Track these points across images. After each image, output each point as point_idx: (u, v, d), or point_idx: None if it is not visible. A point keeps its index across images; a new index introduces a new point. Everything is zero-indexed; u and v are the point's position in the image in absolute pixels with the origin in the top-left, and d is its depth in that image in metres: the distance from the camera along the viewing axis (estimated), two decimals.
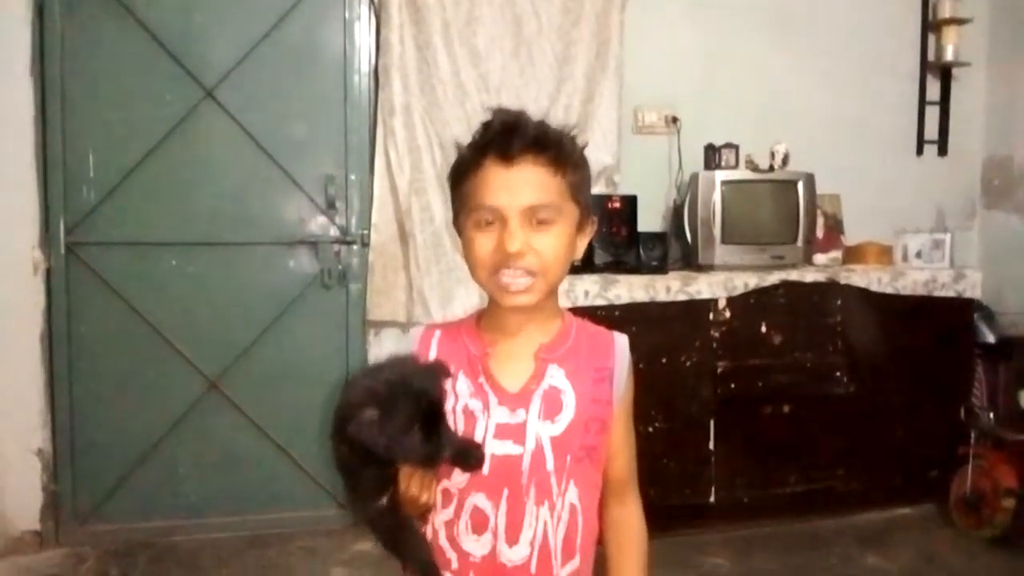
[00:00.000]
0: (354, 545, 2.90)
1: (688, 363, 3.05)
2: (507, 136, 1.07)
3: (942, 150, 3.79)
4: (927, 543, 3.06)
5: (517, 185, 1.06)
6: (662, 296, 3.00)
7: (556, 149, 1.09)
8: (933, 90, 3.76)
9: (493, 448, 1.09)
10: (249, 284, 3.14)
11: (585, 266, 2.97)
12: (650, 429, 2.98)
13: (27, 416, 2.94)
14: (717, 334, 3.08)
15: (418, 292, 3.12)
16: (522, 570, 1.09)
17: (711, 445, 3.10)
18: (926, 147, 3.78)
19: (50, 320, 2.99)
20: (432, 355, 1.16)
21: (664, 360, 3.01)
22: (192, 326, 3.10)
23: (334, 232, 3.19)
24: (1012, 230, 3.72)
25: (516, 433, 1.09)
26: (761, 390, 3.13)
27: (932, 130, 3.77)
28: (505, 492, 1.09)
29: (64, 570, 2.82)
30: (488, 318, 1.17)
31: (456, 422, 1.11)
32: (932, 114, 3.77)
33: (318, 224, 3.18)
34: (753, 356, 3.12)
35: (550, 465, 1.09)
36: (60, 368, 3.01)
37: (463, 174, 1.11)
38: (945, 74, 3.75)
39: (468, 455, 1.08)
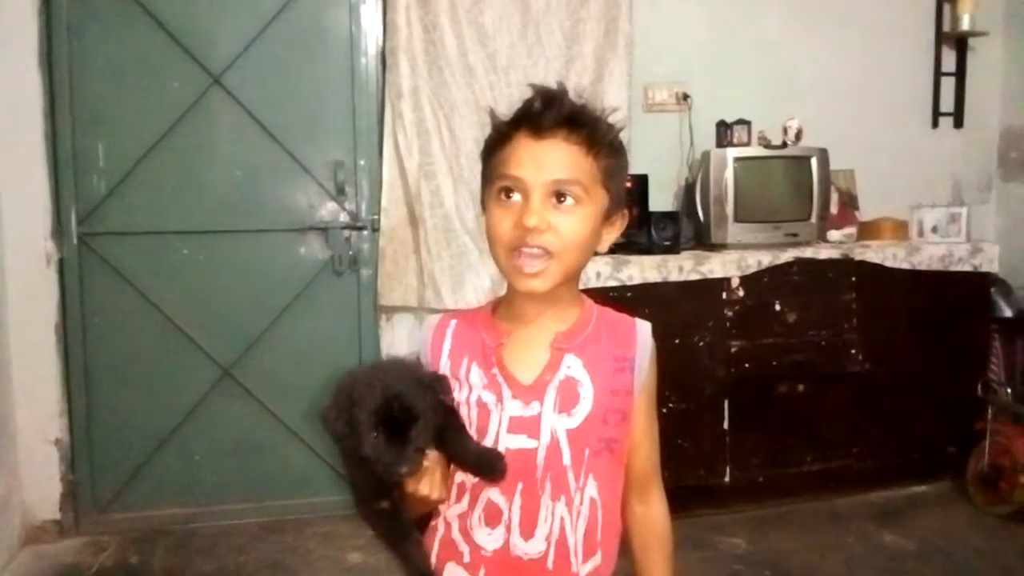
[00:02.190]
0: (370, 530, 2.91)
1: (702, 343, 3.03)
2: (542, 109, 1.05)
3: (958, 122, 3.73)
4: (944, 520, 3.05)
5: (545, 158, 1.03)
6: (675, 276, 2.98)
7: (591, 128, 1.06)
8: (948, 61, 3.69)
9: (507, 442, 1.06)
10: (260, 271, 3.14)
11: None
12: (664, 410, 2.97)
13: (44, 406, 2.96)
14: (730, 313, 3.06)
15: (429, 276, 3.11)
16: (538, 564, 1.06)
17: (726, 425, 3.09)
18: (941, 120, 3.72)
19: (64, 311, 3.00)
20: (447, 345, 1.13)
21: (677, 340, 2.99)
22: (205, 314, 3.10)
23: (344, 218, 3.18)
24: None
25: (530, 426, 1.06)
26: (775, 369, 3.11)
27: (948, 102, 3.71)
28: (520, 486, 1.06)
29: (84, 558, 2.85)
30: (504, 306, 1.14)
31: (469, 414, 1.08)
32: (948, 85, 3.70)
33: (328, 210, 3.17)
34: (767, 335, 3.10)
35: (567, 459, 1.06)
36: (75, 358, 3.02)
37: (493, 147, 1.09)
38: (961, 44, 3.68)
39: (490, 465, 1.04)
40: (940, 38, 3.67)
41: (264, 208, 3.12)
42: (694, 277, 3.00)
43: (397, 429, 0.97)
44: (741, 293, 3.06)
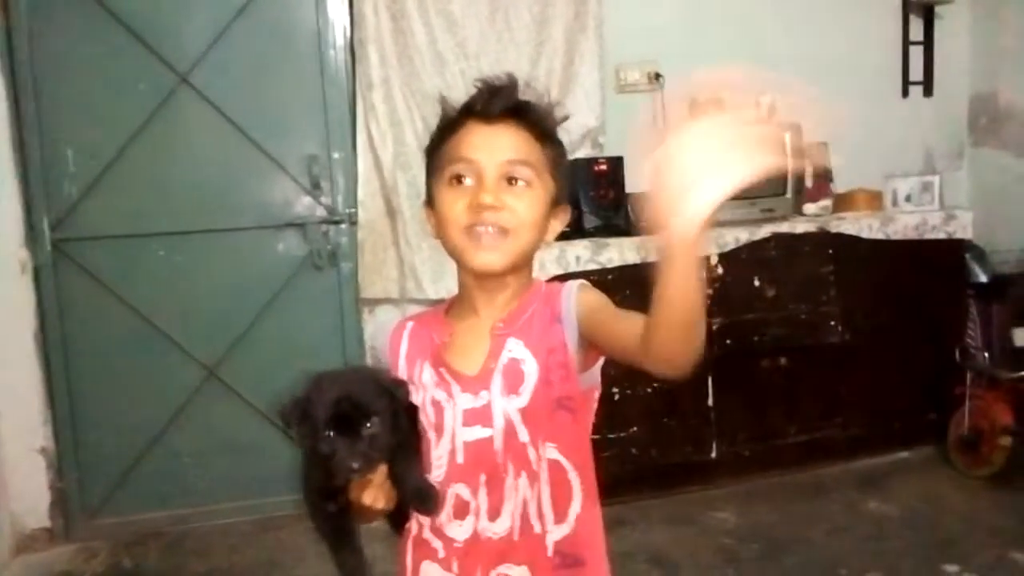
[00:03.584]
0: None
1: None
2: (490, 98, 1.06)
3: (928, 91, 3.76)
4: (927, 485, 3.10)
5: (497, 141, 1.05)
6: (654, 256, 2.99)
7: (539, 117, 1.08)
8: (916, 30, 3.71)
9: (464, 435, 1.07)
10: (239, 270, 3.12)
11: (575, 231, 2.95)
12: (648, 389, 3.00)
13: (27, 415, 2.95)
14: (711, 291, 3.08)
15: (410, 267, 3.11)
16: (506, 541, 1.06)
17: (710, 402, 3.12)
18: (911, 88, 3.74)
19: (42, 318, 2.98)
20: (403, 349, 1.15)
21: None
22: (185, 315, 3.09)
23: (321, 212, 3.17)
24: (1000, 167, 3.71)
25: (483, 416, 1.06)
26: (757, 344, 3.15)
27: (917, 71, 3.73)
28: (483, 477, 1.06)
29: (76, 565, 2.85)
30: (456, 302, 1.15)
31: (427, 414, 1.10)
32: (916, 54, 3.73)
33: (304, 205, 3.16)
34: (748, 311, 3.13)
35: (524, 436, 1.05)
36: (56, 365, 3.00)
37: (441, 137, 1.09)
38: (928, 13, 3.70)
39: (422, 501, 1.06)
40: (907, 7, 3.69)
41: (240, 206, 3.10)
42: None
43: (350, 426, 0.99)
44: (720, 270, 3.08)
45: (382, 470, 1.04)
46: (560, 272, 2.87)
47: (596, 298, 1.07)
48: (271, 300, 3.14)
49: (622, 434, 3.00)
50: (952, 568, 2.51)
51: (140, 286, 3.05)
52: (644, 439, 3.04)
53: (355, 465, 0.99)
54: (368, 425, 1.00)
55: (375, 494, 1.03)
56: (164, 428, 3.09)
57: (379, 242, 3.14)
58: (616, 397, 2.96)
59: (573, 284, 1.09)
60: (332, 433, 0.99)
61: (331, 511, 1.07)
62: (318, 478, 1.05)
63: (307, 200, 3.15)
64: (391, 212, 3.13)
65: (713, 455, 3.14)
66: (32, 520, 2.97)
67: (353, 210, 3.14)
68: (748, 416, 3.16)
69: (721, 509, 2.99)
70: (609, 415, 2.96)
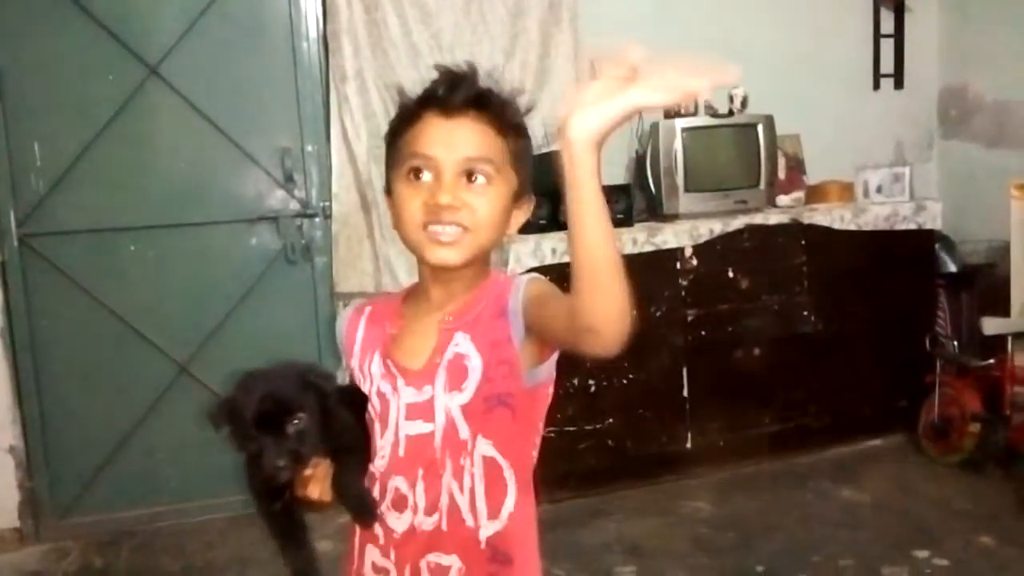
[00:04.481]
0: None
1: (658, 313, 3.07)
2: (450, 89, 1.03)
3: (898, 83, 3.80)
4: (899, 472, 3.15)
5: (456, 137, 1.02)
6: (629, 248, 3.00)
7: (500, 109, 1.05)
8: (887, 23, 3.75)
9: (406, 429, 1.06)
10: (212, 264, 3.09)
11: (550, 223, 2.95)
12: (624, 381, 3.01)
13: None
14: (685, 283, 3.10)
15: (384, 261, 3.09)
16: (435, 532, 1.06)
17: (685, 392, 3.14)
18: (882, 81, 3.78)
19: (9, 315, 2.92)
20: (359, 336, 1.14)
21: (634, 312, 3.01)
22: (157, 311, 3.05)
23: (294, 206, 3.14)
24: (970, 159, 3.76)
25: (425, 411, 1.05)
26: (731, 335, 3.17)
27: (888, 64, 3.78)
28: (420, 471, 1.06)
29: (47, 565, 2.81)
30: (413, 292, 1.14)
31: (372, 405, 1.09)
32: (887, 48, 3.77)
33: (277, 199, 3.13)
34: (722, 302, 3.16)
35: (464, 434, 1.04)
36: (24, 363, 2.95)
37: (400, 128, 1.07)
38: (898, 6, 3.73)
39: (360, 513, 1.06)
40: (878, 1, 3.72)
41: (211, 200, 3.07)
42: (648, 249, 3.03)
43: (275, 424, 0.98)
44: (695, 262, 3.10)
45: (325, 463, 1.03)
46: (536, 264, 2.87)
47: (544, 288, 1.04)
48: (244, 295, 3.10)
49: (598, 426, 3.01)
50: (923, 553, 2.55)
51: (110, 282, 3.00)
52: (619, 430, 3.06)
53: (281, 463, 0.98)
54: (295, 422, 0.99)
55: (319, 487, 1.03)
56: (135, 426, 3.05)
57: (354, 235, 3.11)
58: (592, 389, 2.97)
59: (523, 278, 1.06)
60: (257, 432, 0.98)
61: (277, 510, 1.06)
62: (257, 478, 1.04)
63: (280, 193, 3.12)
64: (365, 205, 3.10)
65: (688, 445, 3.17)
66: (1, 520, 2.92)
67: (327, 203, 3.12)
68: (722, 406, 3.19)
69: (696, 499, 3.01)
70: (585, 407, 2.97)
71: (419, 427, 1.06)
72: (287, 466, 0.99)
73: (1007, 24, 3.55)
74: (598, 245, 0.83)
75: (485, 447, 1.05)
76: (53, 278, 2.95)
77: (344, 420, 1.07)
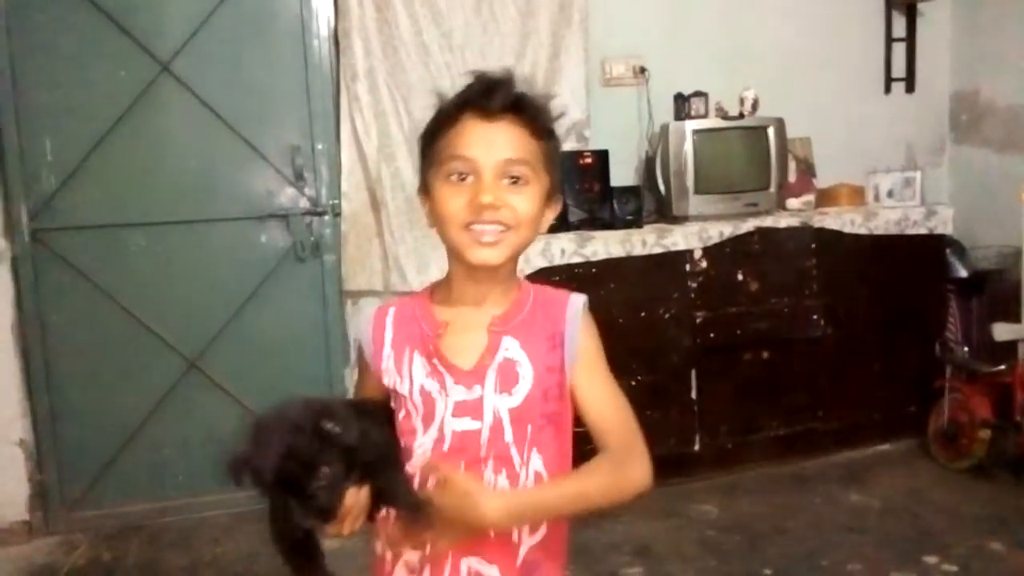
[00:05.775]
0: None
1: (667, 315, 3.06)
2: (489, 92, 1.06)
3: (910, 87, 3.78)
4: (908, 477, 3.14)
5: (495, 139, 1.06)
6: (638, 250, 3.00)
7: (536, 113, 1.09)
8: (899, 26, 3.74)
9: (452, 425, 1.08)
10: (221, 261, 3.10)
11: (560, 224, 2.96)
12: (632, 382, 3.00)
13: (5, 407, 2.91)
14: (694, 284, 3.09)
15: (394, 259, 3.09)
16: (481, 534, 1.06)
17: (693, 394, 3.13)
18: (894, 85, 3.77)
19: (20, 309, 2.94)
20: (388, 335, 1.14)
21: (643, 313, 3.02)
22: (166, 307, 3.06)
23: (304, 204, 3.15)
24: (981, 164, 3.74)
25: (474, 409, 1.08)
26: (740, 337, 3.16)
27: (899, 68, 3.76)
28: (462, 465, 1.07)
29: (56, 558, 2.82)
30: (443, 290, 1.15)
31: (414, 404, 1.10)
32: (899, 51, 3.75)
33: (287, 196, 3.14)
34: (731, 304, 3.15)
35: (508, 436, 1.08)
36: (35, 357, 2.97)
37: (438, 129, 1.09)
38: (910, 10, 3.72)
39: (419, 510, 1.03)
40: (890, 4, 3.71)
41: (221, 196, 3.07)
42: (657, 250, 3.02)
43: (299, 484, 0.95)
44: (704, 264, 3.09)
45: (349, 500, 1.00)
46: (545, 265, 2.87)
47: (591, 363, 1.13)
48: (253, 292, 3.11)
49: None
50: (931, 559, 2.53)
51: (121, 277, 3.01)
52: None
53: (308, 524, 0.98)
54: (319, 478, 0.96)
55: (349, 527, 1.02)
56: (144, 420, 3.06)
57: (363, 234, 3.12)
58: None
59: (577, 309, 1.13)
60: (280, 493, 0.95)
61: (298, 538, 1.03)
62: (281, 528, 1.02)
63: (290, 191, 3.13)
64: (375, 204, 3.11)
65: (696, 448, 3.16)
66: (11, 513, 2.93)
67: (336, 201, 3.12)
68: (731, 409, 3.18)
69: (704, 501, 3.00)
70: None
71: (466, 423, 1.08)
72: (315, 524, 0.98)
73: (1020, 28, 3.53)
74: (588, 510, 1.08)
75: (538, 462, 1.10)
76: (64, 273, 2.96)
77: (372, 440, 1.03)
